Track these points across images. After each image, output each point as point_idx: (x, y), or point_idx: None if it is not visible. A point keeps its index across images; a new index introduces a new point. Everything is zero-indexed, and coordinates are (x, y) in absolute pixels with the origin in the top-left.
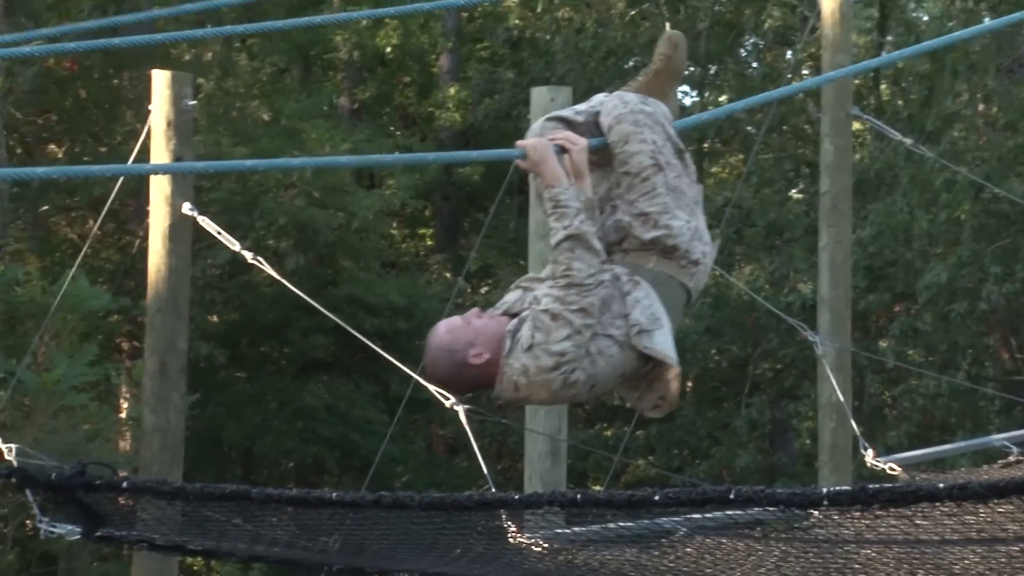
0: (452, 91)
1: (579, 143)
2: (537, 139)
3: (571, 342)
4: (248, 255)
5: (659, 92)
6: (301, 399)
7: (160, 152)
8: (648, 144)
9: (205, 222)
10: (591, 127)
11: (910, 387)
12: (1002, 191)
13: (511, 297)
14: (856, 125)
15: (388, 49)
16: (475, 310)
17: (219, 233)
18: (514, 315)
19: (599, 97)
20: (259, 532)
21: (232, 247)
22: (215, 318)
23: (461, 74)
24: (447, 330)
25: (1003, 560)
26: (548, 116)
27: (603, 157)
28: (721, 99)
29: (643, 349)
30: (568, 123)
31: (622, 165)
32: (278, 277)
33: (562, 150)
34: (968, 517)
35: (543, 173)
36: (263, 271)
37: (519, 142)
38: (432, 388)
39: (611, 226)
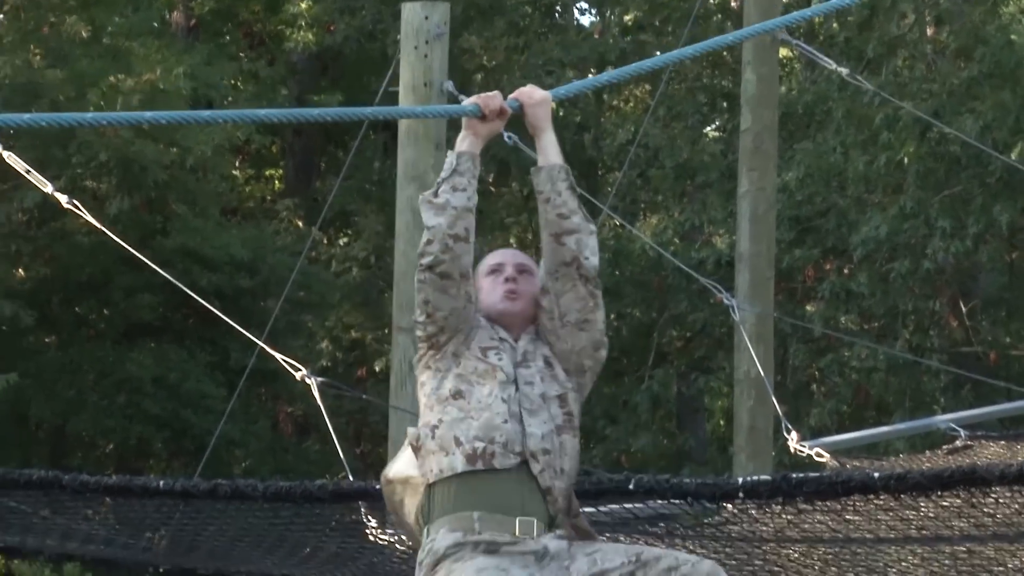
0: (304, 6)
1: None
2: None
3: None
4: (62, 198)
5: None
6: (124, 369)
7: None
8: None
9: (11, 158)
10: None
11: (841, 358)
12: (952, 130)
13: None
14: (783, 51)
15: None
16: None
17: (28, 171)
18: None
19: None
20: (72, 526)
21: (43, 188)
22: (21, 272)
23: None
24: None
25: (947, 563)
26: None
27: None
28: (627, 18)
29: None
30: None
31: None
32: (97, 224)
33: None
34: (907, 512)
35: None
36: (80, 217)
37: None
38: (280, 357)
39: None
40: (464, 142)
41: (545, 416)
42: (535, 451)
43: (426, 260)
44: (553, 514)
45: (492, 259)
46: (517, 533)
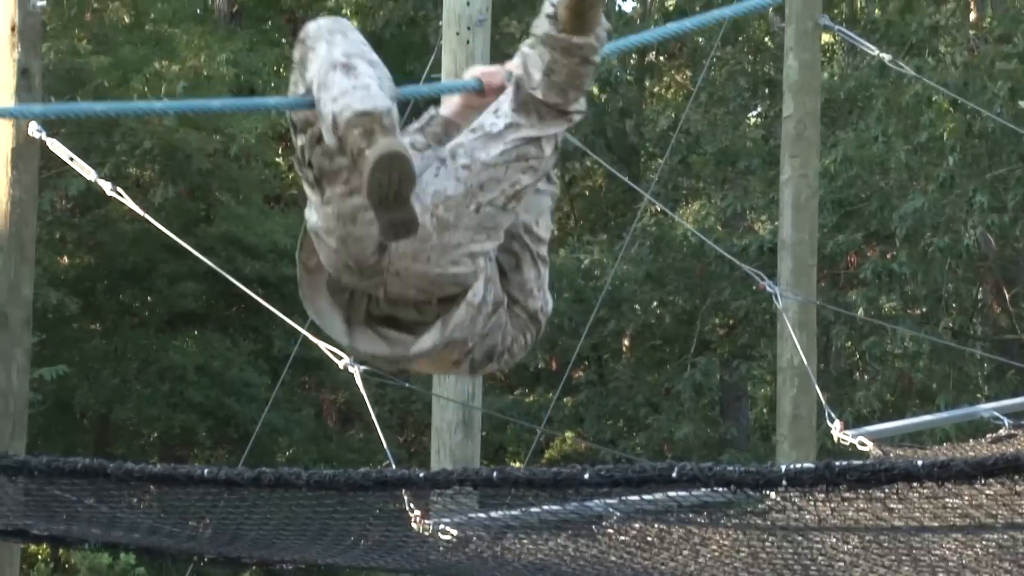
0: None
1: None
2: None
3: None
4: (106, 185)
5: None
6: (167, 357)
7: (4, 62)
8: None
9: (55, 146)
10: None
11: (883, 344)
12: (986, 112)
13: None
14: (825, 37)
15: None
16: None
17: (71, 159)
18: None
19: None
20: (116, 515)
21: (87, 176)
22: (65, 260)
23: None
24: None
25: (993, 550)
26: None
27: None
28: (668, 3)
29: None
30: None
31: None
32: (141, 212)
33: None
34: (950, 500)
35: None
36: (124, 205)
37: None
38: (323, 345)
39: None
40: (449, 107)
41: None
42: None
43: None
44: None
45: None
46: None
